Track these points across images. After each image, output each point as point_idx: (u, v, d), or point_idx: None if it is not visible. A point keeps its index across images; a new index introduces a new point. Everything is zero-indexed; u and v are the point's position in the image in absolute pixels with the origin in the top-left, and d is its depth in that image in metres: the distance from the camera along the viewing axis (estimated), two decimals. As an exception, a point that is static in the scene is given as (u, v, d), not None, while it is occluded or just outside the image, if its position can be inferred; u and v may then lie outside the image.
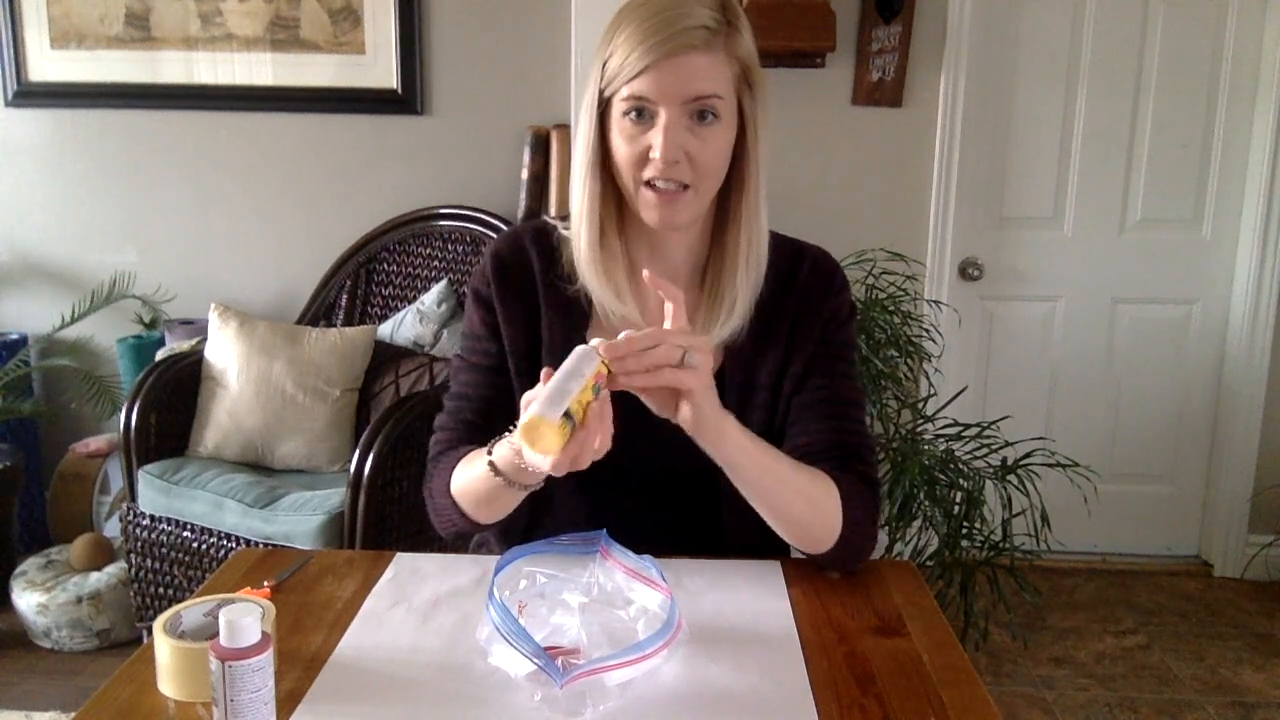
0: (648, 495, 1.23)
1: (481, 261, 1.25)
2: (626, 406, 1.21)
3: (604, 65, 1.08)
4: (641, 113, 1.07)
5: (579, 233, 1.16)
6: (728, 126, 1.10)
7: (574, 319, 1.21)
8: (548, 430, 0.89)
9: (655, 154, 1.07)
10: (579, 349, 0.95)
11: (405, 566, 1.18)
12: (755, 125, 1.13)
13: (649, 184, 1.09)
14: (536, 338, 1.22)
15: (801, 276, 1.22)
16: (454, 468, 1.15)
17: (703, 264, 1.22)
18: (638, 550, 1.04)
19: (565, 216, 1.24)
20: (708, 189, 1.12)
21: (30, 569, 2.65)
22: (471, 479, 1.11)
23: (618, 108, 1.08)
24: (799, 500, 1.10)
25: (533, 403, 0.90)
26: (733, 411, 1.19)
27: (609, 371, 0.95)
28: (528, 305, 1.22)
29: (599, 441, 0.93)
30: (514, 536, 1.22)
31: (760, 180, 1.15)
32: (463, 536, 1.23)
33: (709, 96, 1.06)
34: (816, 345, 1.21)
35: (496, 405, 1.22)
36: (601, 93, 1.09)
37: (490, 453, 1.06)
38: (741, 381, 1.21)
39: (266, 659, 0.82)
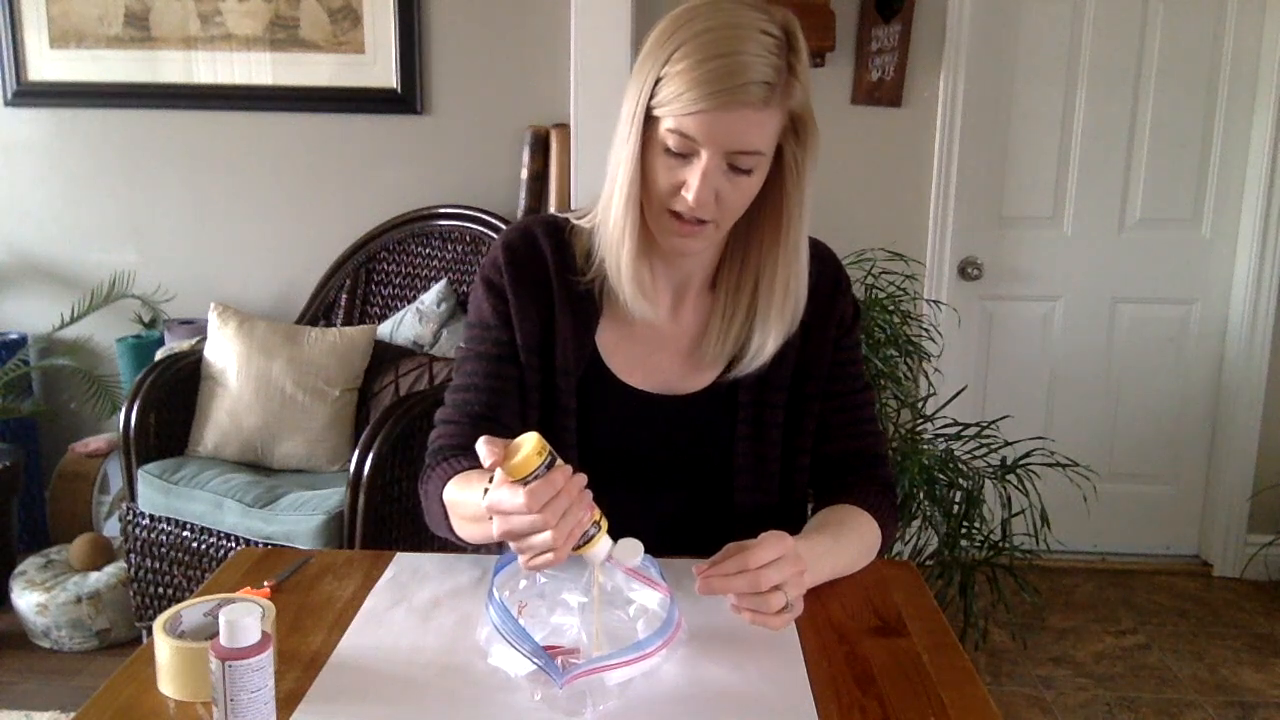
0: (659, 490, 1.23)
1: (491, 251, 1.23)
2: (629, 403, 1.21)
3: (655, 83, 1.05)
4: (683, 147, 1.06)
5: (618, 246, 1.14)
6: (761, 173, 1.10)
7: (586, 315, 1.21)
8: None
9: (688, 194, 1.06)
10: None
11: (405, 566, 1.18)
12: (799, 170, 1.12)
13: (673, 211, 1.09)
14: (549, 332, 1.21)
15: (810, 277, 1.23)
16: (451, 477, 1.12)
17: (713, 271, 1.22)
18: (650, 546, 1.03)
19: (571, 211, 1.24)
20: (727, 223, 1.13)
21: (30, 569, 2.65)
22: (466, 504, 1.07)
23: (661, 133, 1.07)
24: (860, 563, 1.19)
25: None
26: (749, 415, 1.21)
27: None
28: (542, 299, 1.21)
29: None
30: None
31: (803, 223, 1.15)
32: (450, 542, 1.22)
33: (752, 153, 1.06)
34: (834, 352, 1.24)
35: (504, 396, 1.20)
36: (650, 109, 1.07)
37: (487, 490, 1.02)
38: (756, 383, 1.22)
39: (266, 659, 0.82)
